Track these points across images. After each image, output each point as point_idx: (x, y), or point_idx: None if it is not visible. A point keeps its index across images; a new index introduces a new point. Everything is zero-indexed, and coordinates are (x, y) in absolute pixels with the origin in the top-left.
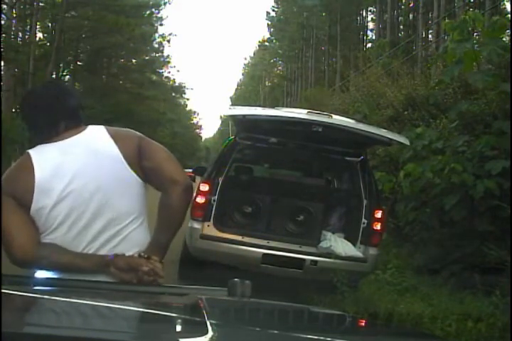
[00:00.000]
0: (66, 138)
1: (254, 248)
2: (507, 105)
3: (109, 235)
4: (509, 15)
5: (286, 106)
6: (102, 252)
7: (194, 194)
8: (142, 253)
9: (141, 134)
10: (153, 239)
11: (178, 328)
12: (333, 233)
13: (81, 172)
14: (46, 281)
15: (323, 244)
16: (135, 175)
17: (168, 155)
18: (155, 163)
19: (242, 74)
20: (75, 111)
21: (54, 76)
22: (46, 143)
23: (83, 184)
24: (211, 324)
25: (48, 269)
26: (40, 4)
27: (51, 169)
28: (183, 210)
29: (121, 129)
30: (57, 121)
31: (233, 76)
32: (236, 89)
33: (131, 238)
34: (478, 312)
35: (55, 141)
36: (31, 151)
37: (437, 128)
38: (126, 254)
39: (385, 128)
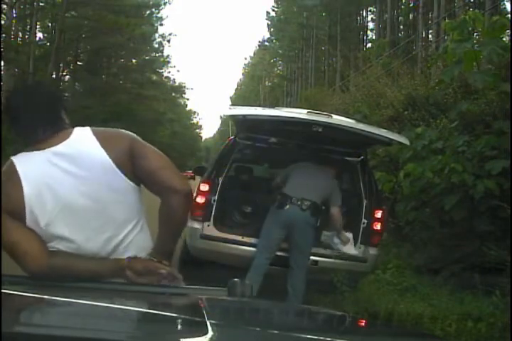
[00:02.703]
0: (52, 145)
1: (254, 248)
2: (507, 105)
3: (113, 245)
4: (509, 15)
5: (286, 106)
6: None
7: (194, 194)
8: (152, 258)
9: (133, 135)
10: (158, 244)
11: (178, 328)
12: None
13: (72, 185)
14: (46, 281)
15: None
16: (128, 180)
17: (164, 160)
18: (150, 170)
19: (242, 74)
20: (59, 114)
21: (54, 76)
22: (31, 150)
23: (76, 196)
24: (211, 324)
25: (64, 277)
26: (40, 4)
27: (40, 182)
28: (184, 216)
29: (110, 131)
30: (41, 125)
31: (233, 76)
32: (236, 89)
33: (135, 244)
34: (478, 312)
35: (41, 149)
36: (15, 160)
37: (437, 128)
38: None
39: (385, 128)
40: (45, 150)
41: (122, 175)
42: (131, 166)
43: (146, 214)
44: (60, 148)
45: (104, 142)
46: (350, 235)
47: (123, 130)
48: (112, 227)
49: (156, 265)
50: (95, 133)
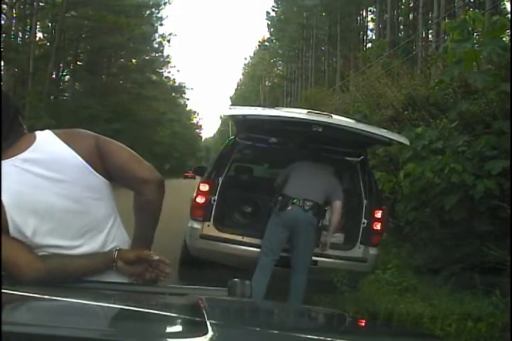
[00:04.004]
0: (18, 152)
1: (254, 248)
2: (507, 105)
3: (100, 243)
4: (509, 15)
5: (286, 106)
6: None
7: (194, 194)
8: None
9: (94, 133)
10: (137, 236)
11: (178, 328)
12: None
13: (49, 189)
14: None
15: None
16: (101, 177)
17: (130, 153)
18: (119, 164)
19: (242, 74)
20: (15, 120)
21: (54, 76)
22: None
23: (56, 200)
24: (211, 324)
25: (61, 279)
26: (40, 4)
27: (16, 191)
28: (159, 206)
29: (71, 131)
30: (1, 134)
31: (233, 76)
32: (236, 89)
33: (118, 239)
34: (478, 312)
35: (7, 158)
36: None
37: (437, 128)
38: None
39: (385, 128)
40: (13, 158)
41: (95, 173)
42: (100, 163)
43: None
44: (28, 154)
45: (70, 142)
46: (341, 236)
47: (83, 129)
48: (95, 225)
49: (146, 253)
50: (58, 135)
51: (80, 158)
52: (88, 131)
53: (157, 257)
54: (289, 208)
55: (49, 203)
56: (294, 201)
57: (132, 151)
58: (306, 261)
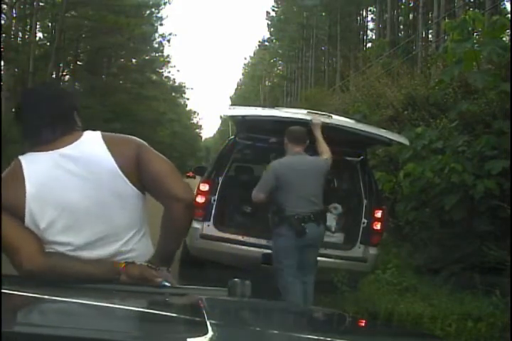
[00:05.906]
0: (59, 147)
1: (254, 248)
2: (507, 105)
3: (112, 251)
4: (509, 15)
5: (286, 106)
6: None
7: (194, 193)
8: (150, 265)
9: (141, 142)
10: (159, 250)
11: (178, 328)
12: (333, 232)
13: (75, 186)
14: (46, 281)
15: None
16: (134, 187)
17: (169, 168)
18: (155, 176)
19: (242, 74)
20: (69, 116)
21: (54, 76)
22: (39, 150)
23: (78, 198)
24: (211, 324)
25: (58, 278)
26: (40, 4)
27: (43, 183)
28: (186, 225)
29: (119, 136)
30: (49, 126)
31: (233, 76)
32: (236, 89)
33: (136, 252)
34: (478, 312)
35: (48, 150)
36: (23, 160)
37: (437, 128)
38: None
39: (385, 128)
40: (53, 151)
41: (127, 181)
42: (136, 173)
43: (149, 222)
44: (67, 149)
45: (112, 147)
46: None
47: (132, 136)
48: (113, 232)
49: (152, 273)
50: (104, 138)
51: (114, 163)
52: (136, 139)
53: (160, 279)
54: (308, 230)
55: (70, 200)
56: (305, 219)
57: (172, 166)
58: (314, 265)
